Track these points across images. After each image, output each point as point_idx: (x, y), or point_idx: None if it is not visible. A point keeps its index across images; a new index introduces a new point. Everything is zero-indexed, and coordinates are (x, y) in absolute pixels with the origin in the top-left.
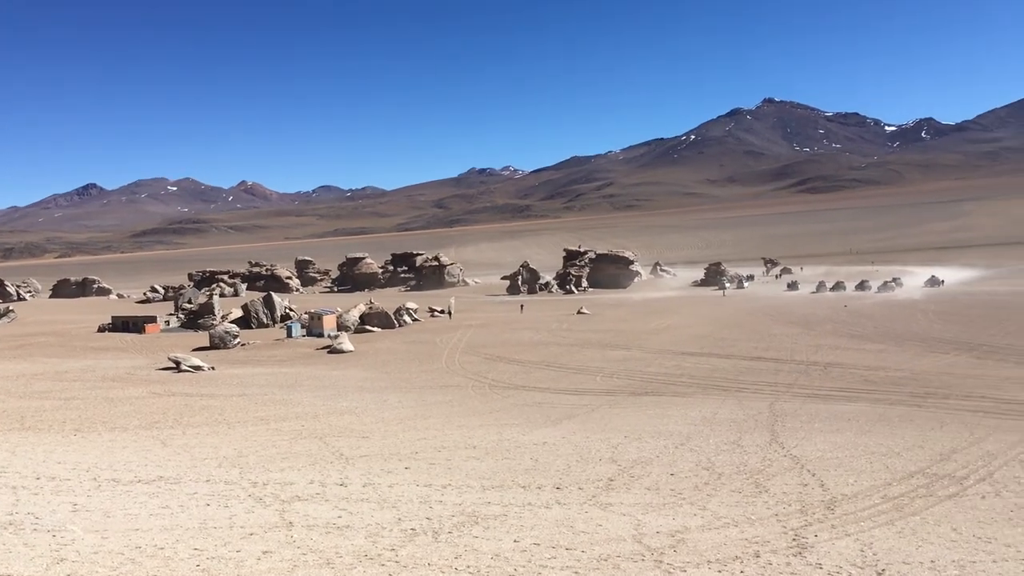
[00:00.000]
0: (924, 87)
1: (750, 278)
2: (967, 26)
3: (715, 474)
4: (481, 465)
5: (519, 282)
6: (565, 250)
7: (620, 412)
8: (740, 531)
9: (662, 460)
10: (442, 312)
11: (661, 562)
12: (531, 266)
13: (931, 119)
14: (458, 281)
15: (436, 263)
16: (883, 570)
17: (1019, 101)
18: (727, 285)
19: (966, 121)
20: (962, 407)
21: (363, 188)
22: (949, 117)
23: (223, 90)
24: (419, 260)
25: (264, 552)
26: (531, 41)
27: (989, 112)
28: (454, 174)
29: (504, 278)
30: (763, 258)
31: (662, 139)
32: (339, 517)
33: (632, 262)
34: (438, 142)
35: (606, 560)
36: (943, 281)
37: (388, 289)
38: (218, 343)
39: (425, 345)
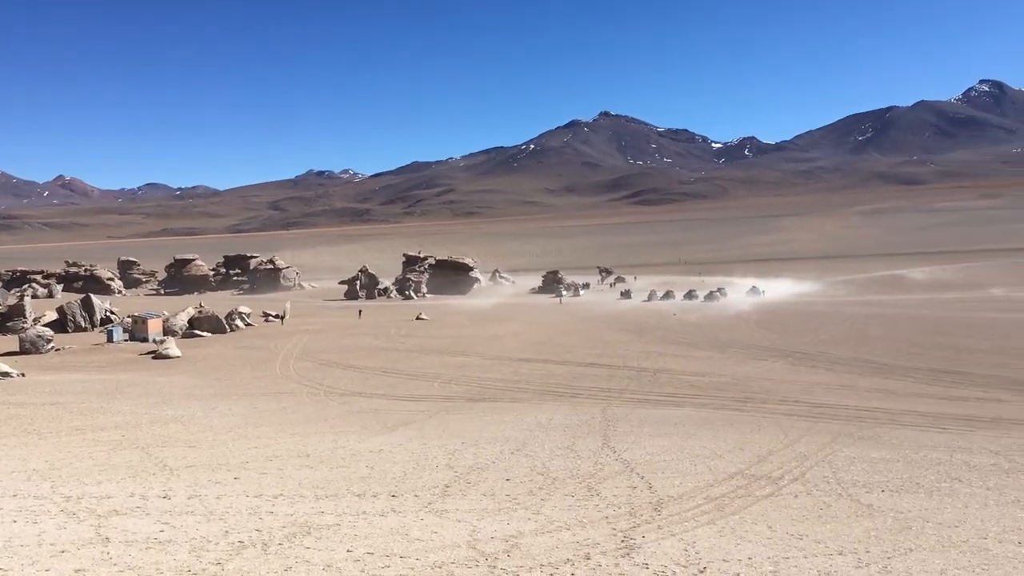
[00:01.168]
0: (748, 108)
1: (586, 286)
2: (787, 51)
3: (549, 479)
4: (315, 474)
5: (358, 287)
6: (405, 255)
7: (458, 418)
8: (572, 534)
9: (498, 466)
10: (277, 317)
11: (495, 567)
12: (370, 271)
13: (754, 138)
14: (294, 285)
15: (271, 266)
16: (704, 568)
17: (832, 124)
18: (564, 293)
19: (785, 141)
20: (778, 411)
21: (194, 187)
22: (770, 137)
23: (36, 75)
24: (253, 263)
25: (76, 571)
26: (374, 45)
27: (806, 133)
28: (291, 176)
29: (342, 283)
30: (598, 267)
31: (502, 147)
32: (161, 531)
33: (472, 269)
34: (275, 142)
35: (440, 567)
36: (764, 291)
37: (220, 292)
38: (29, 348)
39: (258, 351)
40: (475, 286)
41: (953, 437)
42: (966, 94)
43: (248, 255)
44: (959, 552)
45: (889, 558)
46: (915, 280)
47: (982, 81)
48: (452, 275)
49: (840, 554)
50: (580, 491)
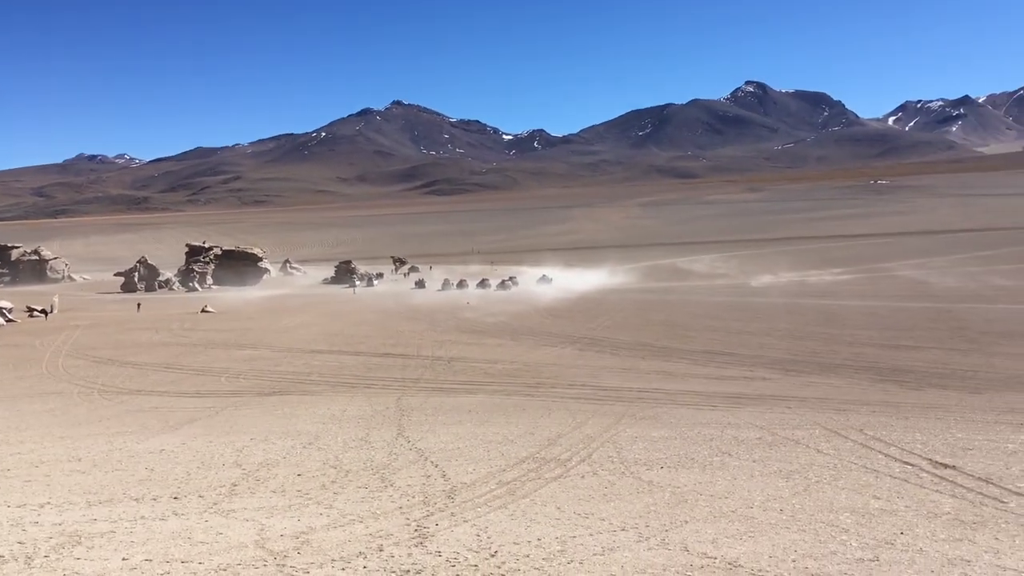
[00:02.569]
0: (537, 102)
1: (380, 276)
2: (573, 46)
3: (342, 472)
4: (87, 479)
5: (136, 279)
6: (188, 245)
7: (247, 413)
8: (365, 527)
9: (289, 461)
10: (43, 311)
11: (284, 565)
12: (150, 262)
13: (543, 131)
14: (63, 277)
15: (36, 257)
16: (496, 552)
17: (616, 119)
18: (357, 283)
19: (572, 134)
20: (567, 395)
21: None
22: (557, 130)
23: None
24: (15, 253)
25: None
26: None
27: (591, 127)
28: (59, 159)
29: (118, 274)
30: (392, 257)
31: (292, 134)
32: None
33: (261, 259)
34: (39, 123)
35: (226, 570)
36: (553, 280)
37: None
38: None
39: (22, 348)
40: (265, 277)
41: (724, 414)
42: (734, 94)
43: (10, 245)
44: (728, 521)
45: (667, 530)
46: (690, 268)
47: (748, 82)
48: (240, 266)
49: (623, 529)
50: (374, 483)
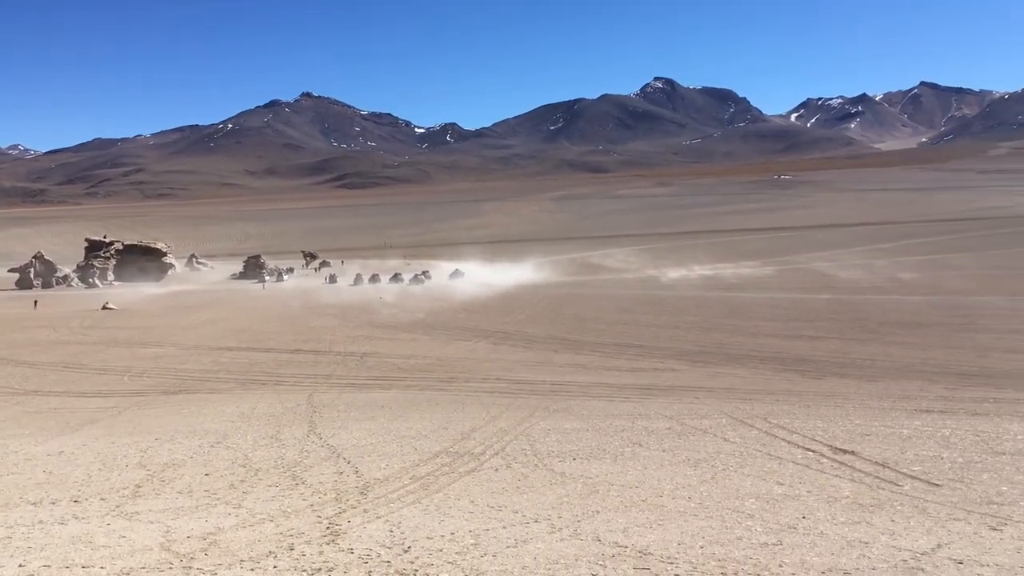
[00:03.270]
0: (449, 95)
1: (290, 271)
2: (484, 40)
3: (252, 470)
4: None
5: (32, 276)
6: (88, 240)
7: (152, 413)
8: (276, 525)
9: (196, 460)
10: None
11: (191, 568)
12: (46, 258)
13: (455, 124)
14: None
15: None
16: (409, 547)
17: (528, 113)
18: (267, 278)
19: (484, 128)
20: (481, 389)
21: None
22: (470, 124)
23: None
24: None
25: None
26: (43, 8)
27: (503, 121)
28: None
29: (12, 271)
30: (303, 251)
31: (197, 126)
32: None
33: (165, 254)
34: None
35: (129, 574)
36: (465, 274)
37: None
38: None
39: None
40: (170, 272)
41: (635, 405)
42: (643, 90)
43: None
44: (639, 510)
45: (579, 521)
46: (602, 263)
47: (656, 78)
48: (143, 261)
49: (536, 521)
50: (285, 481)
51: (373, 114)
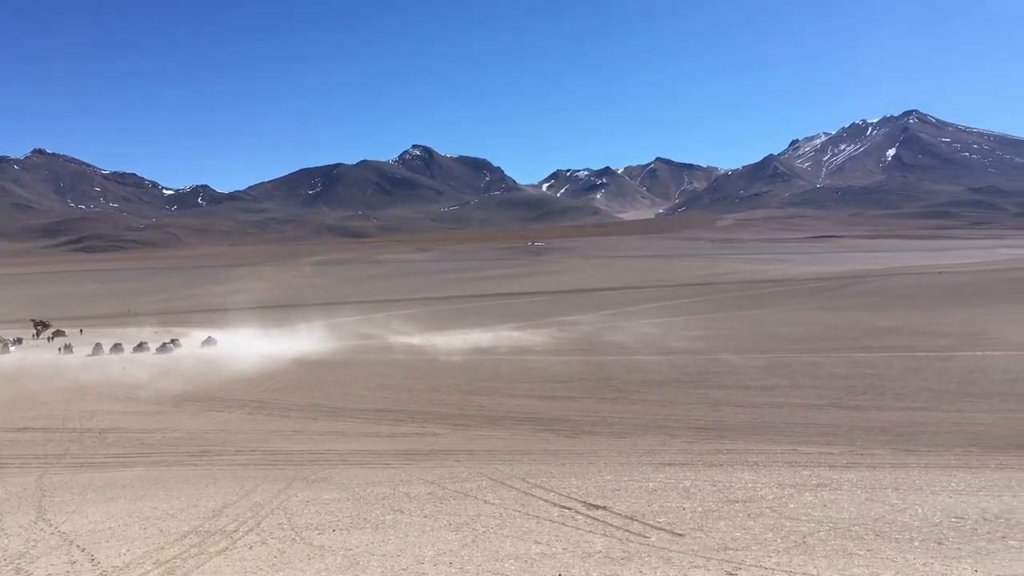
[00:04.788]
0: (201, 156)
1: (18, 341)
2: (237, 99)
3: None
4: None
5: None
6: None
7: None
8: None
9: None
10: None
11: None
12: None
13: (207, 186)
14: None
15: None
16: None
17: (285, 176)
18: None
19: (239, 191)
20: (235, 462)
21: None
22: (223, 186)
23: None
24: None
25: None
26: None
27: (259, 184)
28: None
29: None
30: (32, 320)
31: None
32: None
33: None
34: None
35: None
36: (217, 341)
37: None
38: None
39: None
40: None
41: (396, 471)
42: (402, 156)
43: None
44: None
45: None
46: (363, 329)
47: (415, 146)
48: None
49: None
50: (8, 575)
51: (116, 173)
